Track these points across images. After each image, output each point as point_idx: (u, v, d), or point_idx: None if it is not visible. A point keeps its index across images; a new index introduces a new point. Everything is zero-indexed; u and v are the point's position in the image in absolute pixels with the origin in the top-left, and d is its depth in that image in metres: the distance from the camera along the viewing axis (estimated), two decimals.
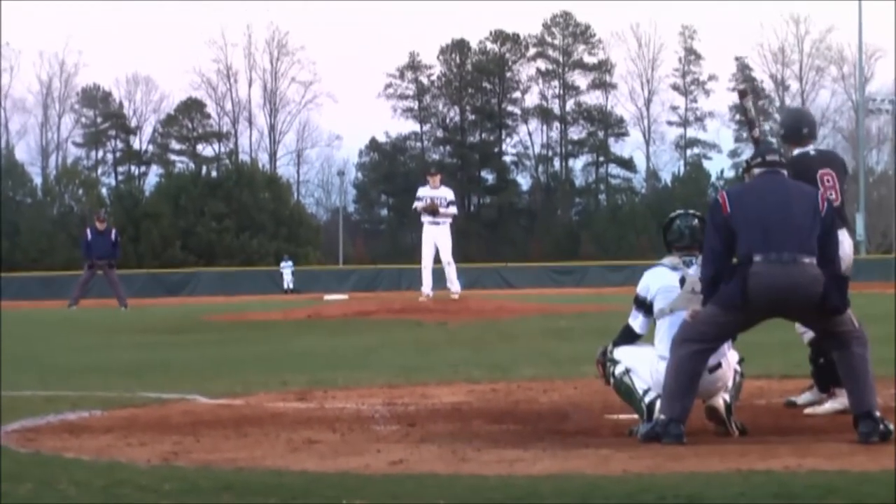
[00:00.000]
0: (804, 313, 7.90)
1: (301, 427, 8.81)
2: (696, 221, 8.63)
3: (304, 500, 5.91)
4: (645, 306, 8.55)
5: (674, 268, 8.51)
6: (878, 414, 7.58)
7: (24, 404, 10.30)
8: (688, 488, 5.85)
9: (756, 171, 8.19)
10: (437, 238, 24.14)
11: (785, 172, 8.18)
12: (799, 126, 9.97)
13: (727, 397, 8.16)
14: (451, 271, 24.65)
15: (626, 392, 8.45)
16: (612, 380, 8.56)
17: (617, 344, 8.65)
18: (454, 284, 24.83)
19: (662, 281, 8.51)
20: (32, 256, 77.81)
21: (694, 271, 8.38)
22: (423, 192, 24.60)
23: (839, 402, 9.05)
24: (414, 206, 24.70)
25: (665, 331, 8.35)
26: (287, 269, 64.51)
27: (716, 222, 7.92)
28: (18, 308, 37.70)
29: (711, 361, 8.07)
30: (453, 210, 24.47)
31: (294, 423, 9.10)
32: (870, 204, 75.72)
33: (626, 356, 8.53)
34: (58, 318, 28.25)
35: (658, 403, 8.11)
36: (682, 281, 8.41)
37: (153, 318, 26.75)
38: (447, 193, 24.73)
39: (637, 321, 8.60)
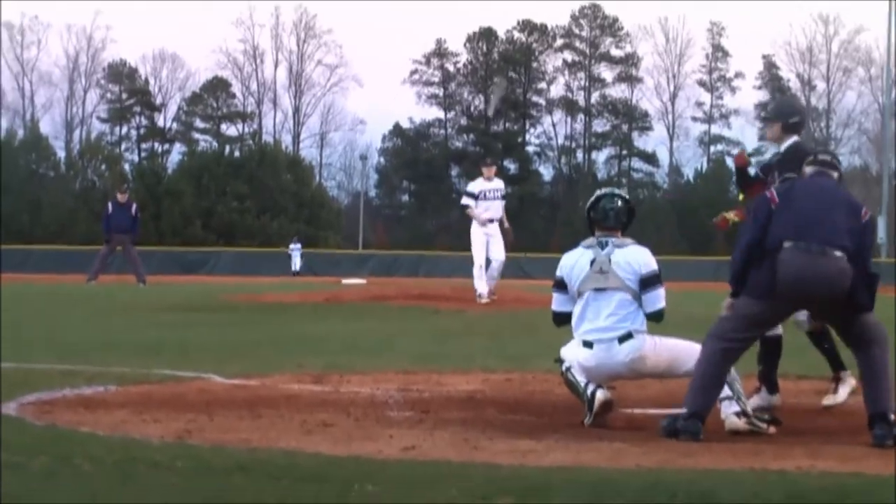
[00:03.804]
0: (829, 307, 7.88)
1: (315, 410, 8.83)
2: (620, 203, 8.76)
3: (316, 482, 5.92)
4: (561, 286, 8.77)
5: (588, 247, 8.69)
6: (893, 417, 7.57)
7: (40, 378, 10.33)
8: (700, 485, 5.84)
9: (808, 170, 8.23)
10: (489, 235, 22.46)
11: (836, 175, 8.20)
12: (792, 112, 9.93)
13: (736, 408, 8.09)
14: (498, 271, 22.72)
15: (573, 387, 8.62)
16: (562, 378, 8.72)
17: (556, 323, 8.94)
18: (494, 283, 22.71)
19: (574, 260, 8.73)
20: (53, 230, 78.00)
21: (606, 252, 8.59)
22: (476, 185, 22.71)
23: (848, 383, 9.11)
24: (465, 204, 22.78)
25: (577, 310, 8.64)
26: (296, 252, 64.47)
27: (761, 213, 7.93)
28: (37, 282, 37.81)
29: (620, 330, 8.41)
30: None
31: (309, 405, 9.11)
32: (893, 207, 75.38)
33: (566, 353, 8.72)
34: (76, 293, 28.33)
35: (599, 393, 8.34)
36: (593, 262, 8.60)
37: (171, 296, 26.79)
38: (500, 185, 22.97)
39: (554, 301, 8.87)
